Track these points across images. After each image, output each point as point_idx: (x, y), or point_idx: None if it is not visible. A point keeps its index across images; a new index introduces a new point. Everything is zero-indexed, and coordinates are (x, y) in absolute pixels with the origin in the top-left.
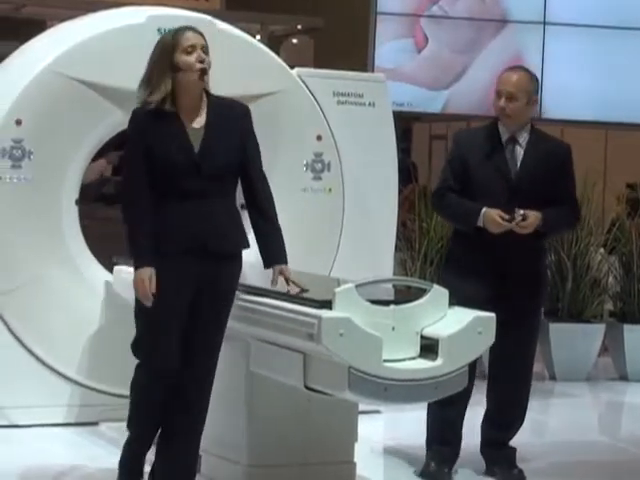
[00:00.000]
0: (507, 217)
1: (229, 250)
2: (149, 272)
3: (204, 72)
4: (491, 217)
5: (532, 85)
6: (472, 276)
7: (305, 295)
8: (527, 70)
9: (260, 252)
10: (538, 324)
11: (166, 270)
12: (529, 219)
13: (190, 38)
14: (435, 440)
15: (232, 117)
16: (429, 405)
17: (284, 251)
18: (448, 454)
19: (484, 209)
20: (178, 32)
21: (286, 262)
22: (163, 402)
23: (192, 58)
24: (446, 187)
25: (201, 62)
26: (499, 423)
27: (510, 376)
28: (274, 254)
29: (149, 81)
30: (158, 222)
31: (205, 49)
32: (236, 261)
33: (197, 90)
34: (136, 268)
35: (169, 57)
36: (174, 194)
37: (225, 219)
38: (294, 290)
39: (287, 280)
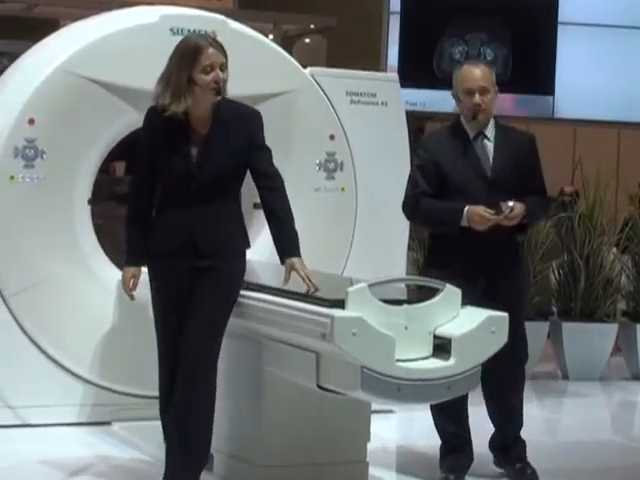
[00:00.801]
0: (493, 212)
1: (220, 250)
2: (132, 271)
3: (218, 92)
4: (476, 213)
5: (493, 75)
6: (460, 279)
7: (318, 294)
8: (483, 61)
9: (276, 249)
10: (524, 318)
11: (161, 269)
12: (516, 210)
13: (210, 57)
14: (450, 450)
15: (238, 121)
16: (435, 421)
17: (294, 244)
18: (464, 461)
19: (466, 207)
20: (201, 47)
21: (296, 255)
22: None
23: (209, 78)
24: (419, 193)
25: (216, 82)
26: (502, 424)
27: (503, 372)
28: (283, 248)
29: (167, 85)
30: (157, 223)
31: (223, 66)
32: (233, 261)
33: (209, 103)
34: (125, 266)
35: (189, 71)
36: (173, 198)
37: (221, 221)
38: (306, 287)
39: (300, 276)
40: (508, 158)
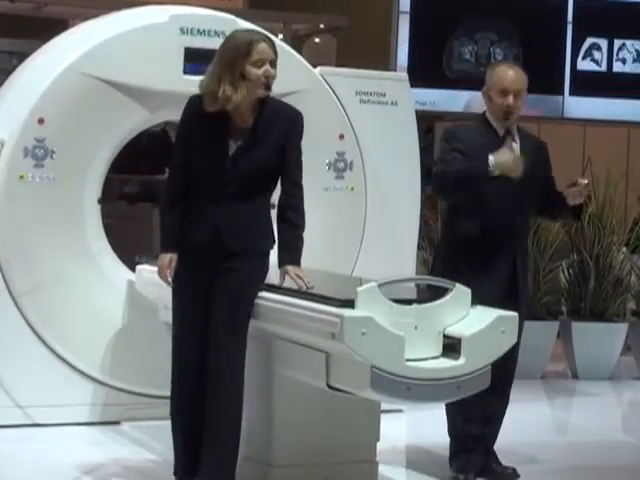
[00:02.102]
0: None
1: (245, 248)
2: (169, 257)
3: (268, 87)
4: (504, 155)
5: (527, 79)
6: (485, 277)
7: (327, 294)
8: (519, 64)
9: (278, 251)
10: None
11: (186, 265)
12: (586, 189)
13: (262, 51)
14: (461, 450)
15: (279, 121)
16: (450, 420)
17: (298, 252)
18: (475, 460)
19: (490, 156)
20: (254, 41)
21: (296, 263)
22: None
23: (260, 72)
24: (445, 167)
25: (266, 77)
26: (486, 425)
27: (497, 372)
28: (285, 254)
29: (220, 77)
30: (186, 216)
31: (273, 63)
32: (255, 259)
33: (256, 97)
34: (160, 252)
35: (241, 65)
36: (204, 191)
37: (248, 218)
38: (298, 285)
39: (291, 278)
40: (531, 157)
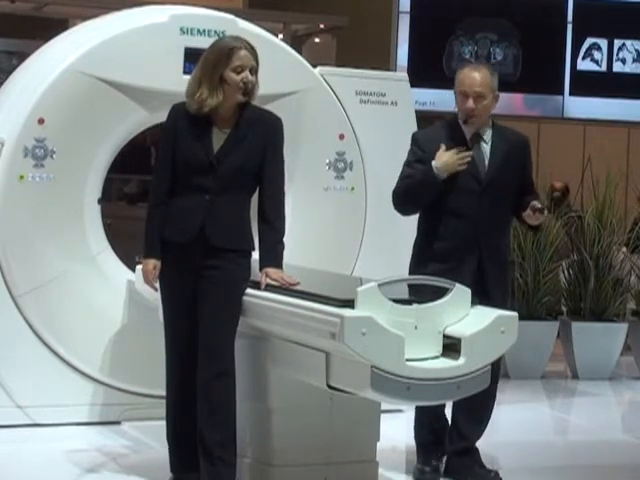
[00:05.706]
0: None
1: (228, 245)
2: (153, 263)
3: (245, 92)
4: (442, 157)
5: (495, 80)
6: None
7: (327, 294)
8: (486, 65)
9: (259, 253)
10: None
11: (168, 258)
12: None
13: (242, 58)
14: (430, 442)
15: (260, 127)
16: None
17: (278, 255)
18: (437, 448)
19: (433, 162)
20: (234, 48)
21: (276, 265)
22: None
23: (238, 77)
24: (400, 180)
25: (244, 83)
26: (467, 430)
27: None
28: (266, 256)
29: (201, 82)
30: (168, 212)
31: (253, 70)
32: (237, 259)
33: (235, 102)
34: (144, 258)
35: (221, 70)
36: (189, 188)
37: (230, 217)
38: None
39: (273, 280)
40: (503, 160)
